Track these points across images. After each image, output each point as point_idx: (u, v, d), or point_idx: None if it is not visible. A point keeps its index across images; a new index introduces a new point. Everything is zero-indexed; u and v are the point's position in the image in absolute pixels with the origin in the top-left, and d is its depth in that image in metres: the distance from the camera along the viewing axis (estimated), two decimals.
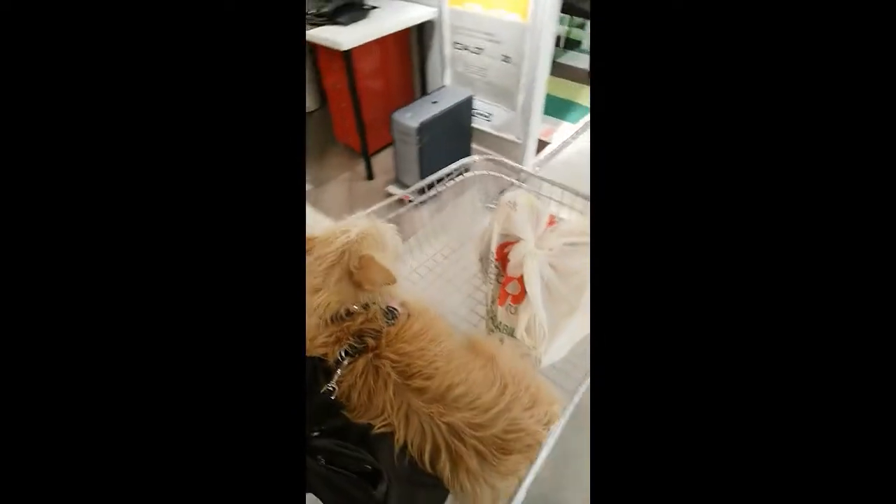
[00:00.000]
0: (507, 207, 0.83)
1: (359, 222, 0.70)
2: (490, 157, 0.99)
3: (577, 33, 3.35)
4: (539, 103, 1.83)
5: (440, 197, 1.05)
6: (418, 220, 1.07)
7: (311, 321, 0.65)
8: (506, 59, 1.77)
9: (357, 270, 0.64)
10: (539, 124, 1.94)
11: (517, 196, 0.85)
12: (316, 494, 0.47)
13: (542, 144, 2.16)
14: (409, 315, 0.68)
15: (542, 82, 1.75)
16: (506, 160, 0.99)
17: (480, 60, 1.86)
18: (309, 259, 0.67)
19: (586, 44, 2.92)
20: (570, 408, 0.65)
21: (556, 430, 0.62)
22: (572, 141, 2.31)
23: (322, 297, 0.63)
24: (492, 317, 0.87)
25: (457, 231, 1.14)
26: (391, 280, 0.64)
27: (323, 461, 0.49)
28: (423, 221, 1.09)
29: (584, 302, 0.79)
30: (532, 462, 0.58)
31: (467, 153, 1.67)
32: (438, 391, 0.59)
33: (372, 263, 0.64)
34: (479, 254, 0.94)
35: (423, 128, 1.65)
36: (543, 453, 0.57)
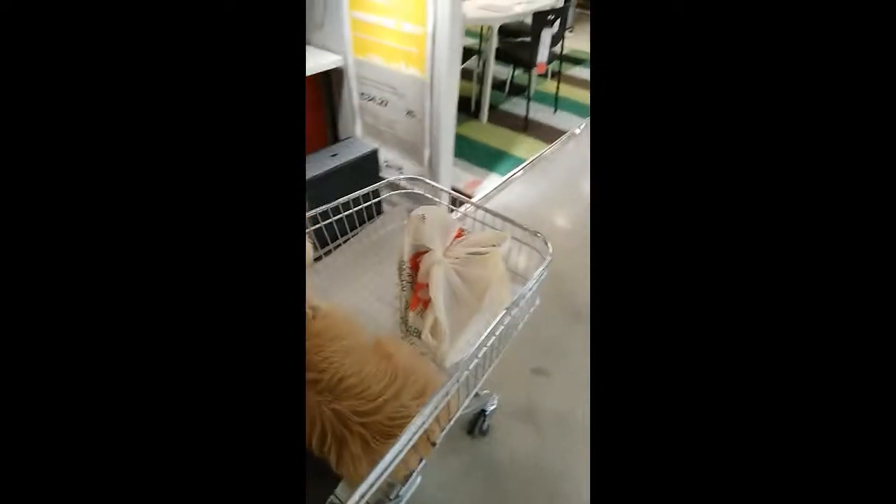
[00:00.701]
0: (417, 220, 0.91)
1: None
2: (410, 176, 1.07)
3: (522, 77, 3.36)
4: (447, 159, 1.79)
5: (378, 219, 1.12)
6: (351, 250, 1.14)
7: None
8: (410, 113, 1.73)
9: None
10: (449, 179, 1.91)
11: (428, 210, 0.94)
12: None
13: (465, 196, 2.20)
14: (314, 316, 0.74)
15: (447, 138, 1.72)
16: (425, 179, 1.08)
17: (387, 113, 1.81)
18: None
19: (532, 89, 3.04)
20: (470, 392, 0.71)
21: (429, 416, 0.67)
22: (496, 195, 2.31)
23: None
24: (404, 321, 0.93)
25: (388, 244, 1.21)
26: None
27: None
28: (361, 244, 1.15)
29: (484, 305, 0.87)
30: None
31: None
32: (330, 383, 0.65)
33: None
34: (397, 263, 1.01)
35: (314, 182, 1.61)
36: (409, 431, 0.61)
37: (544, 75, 3.47)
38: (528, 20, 2.60)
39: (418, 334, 0.89)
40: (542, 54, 2.63)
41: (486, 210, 1.03)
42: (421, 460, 0.70)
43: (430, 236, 0.90)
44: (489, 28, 2.78)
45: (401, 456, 0.58)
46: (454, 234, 0.94)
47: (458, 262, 0.90)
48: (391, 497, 0.68)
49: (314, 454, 0.62)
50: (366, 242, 1.20)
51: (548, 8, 2.60)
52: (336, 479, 0.64)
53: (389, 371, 0.70)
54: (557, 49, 2.94)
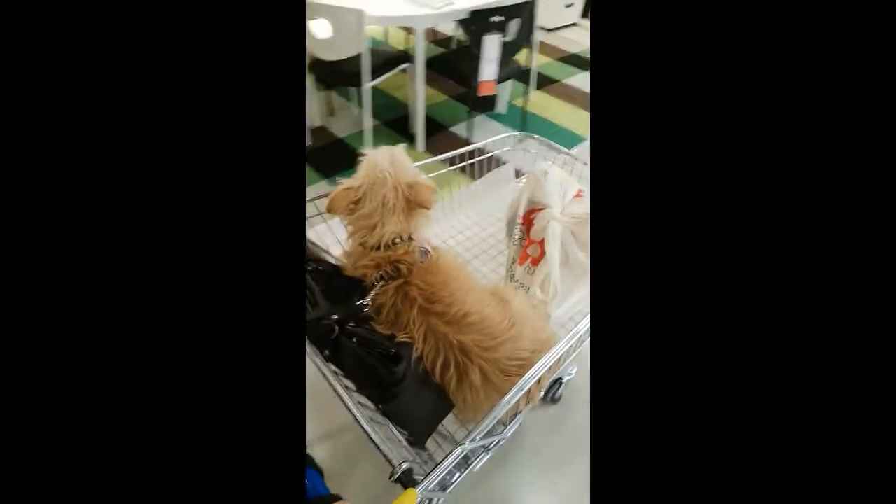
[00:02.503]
0: (539, 175, 0.91)
1: (375, 154, 0.76)
2: (529, 135, 1.06)
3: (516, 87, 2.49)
4: None
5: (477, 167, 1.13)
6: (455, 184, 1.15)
7: (356, 248, 0.75)
8: None
9: (411, 194, 0.73)
10: None
11: (549, 167, 0.92)
12: (346, 368, 0.58)
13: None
14: (438, 257, 0.78)
15: None
16: (544, 140, 1.06)
17: None
18: (361, 205, 0.76)
19: (503, 104, 2.36)
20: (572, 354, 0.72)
21: (549, 362, 0.69)
22: None
23: (378, 230, 0.72)
24: (511, 275, 0.95)
25: (488, 200, 1.22)
26: (435, 194, 0.73)
27: (356, 341, 0.59)
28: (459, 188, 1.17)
29: None
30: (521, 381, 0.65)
31: None
32: (455, 316, 0.68)
33: (420, 184, 0.73)
34: (506, 218, 1.02)
35: None
36: (529, 375, 0.63)
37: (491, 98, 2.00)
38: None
39: (526, 289, 0.90)
40: (488, 70, 1.78)
41: None
42: (528, 403, 0.73)
43: (549, 193, 0.89)
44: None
45: (519, 394, 0.60)
46: (573, 193, 0.92)
47: (574, 221, 0.89)
48: (499, 432, 0.72)
49: (434, 379, 0.67)
50: (467, 195, 1.22)
51: (495, 4, 1.71)
52: (450, 405, 0.69)
53: (508, 315, 0.72)
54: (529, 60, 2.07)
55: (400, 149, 0.80)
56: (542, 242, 0.89)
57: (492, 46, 1.76)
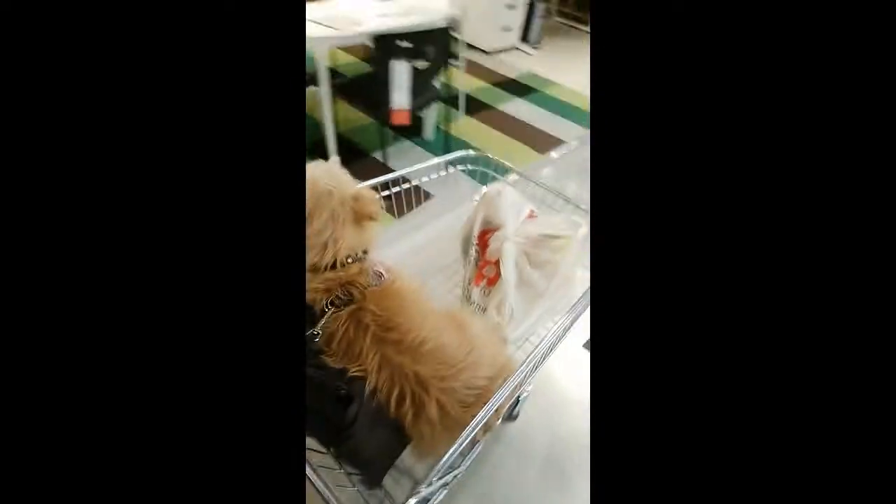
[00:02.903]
0: (493, 195, 0.91)
1: (312, 172, 0.72)
2: (482, 153, 1.06)
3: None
4: None
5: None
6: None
7: (307, 272, 0.70)
8: None
9: (357, 207, 0.70)
10: None
11: (503, 187, 0.93)
12: None
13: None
14: (393, 279, 0.74)
15: None
16: (496, 158, 1.07)
17: None
18: (310, 223, 0.71)
19: (429, 129, 2.28)
20: (531, 376, 0.71)
21: (507, 390, 0.68)
22: None
23: (331, 248, 0.69)
24: (467, 296, 0.93)
25: (446, 219, 1.21)
26: (379, 208, 0.71)
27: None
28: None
29: (550, 289, 0.86)
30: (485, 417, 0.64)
31: None
32: (412, 344, 0.65)
33: (365, 196, 0.70)
34: (461, 238, 1.00)
35: None
36: (489, 404, 0.62)
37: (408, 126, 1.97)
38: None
39: (482, 310, 0.89)
40: (399, 98, 1.68)
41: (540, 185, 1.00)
42: (486, 432, 0.71)
43: (503, 213, 0.90)
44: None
45: (480, 425, 0.58)
46: (526, 214, 0.93)
47: (528, 242, 0.89)
48: (457, 465, 0.69)
49: (388, 412, 0.63)
50: (421, 217, 1.20)
51: (406, 29, 1.62)
52: (406, 440, 0.65)
53: (465, 340, 0.70)
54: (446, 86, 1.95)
55: (335, 162, 0.77)
56: (497, 263, 0.89)
57: (401, 73, 1.62)
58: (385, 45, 1.59)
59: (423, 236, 1.20)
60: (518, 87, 3.13)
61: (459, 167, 1.11)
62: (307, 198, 0.70)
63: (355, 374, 0.63)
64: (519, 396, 1.34)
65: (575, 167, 2.13)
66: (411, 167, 0.94)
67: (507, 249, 0.86)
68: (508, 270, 0.85)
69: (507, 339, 0.86)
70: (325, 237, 0.69)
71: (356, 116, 2.20)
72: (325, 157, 1.92)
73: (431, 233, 1.20)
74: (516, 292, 0.86)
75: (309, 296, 0.69)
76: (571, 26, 4.27)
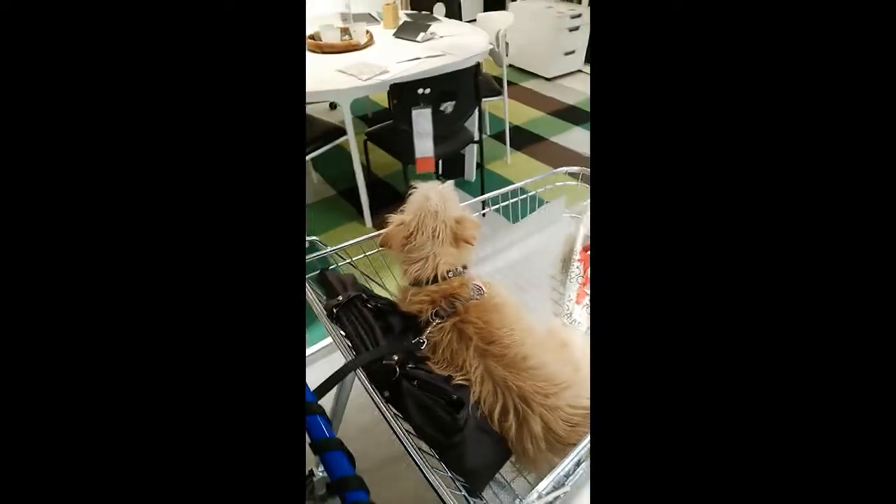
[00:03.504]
0: None
1: (426, 189, 0.78)
2: (581, 170, 1.04)
3: (494, 148, 2.45)
4: None
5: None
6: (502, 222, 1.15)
7: (411, 284, 0.76)
8: None
9: (458, 230, 0.74)
10: None
11: None
12: (406, 412, 0.57)
13: None
14: (493, 294, 0.76)
15: None
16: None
17: None
18: (413, 238, 0.77)
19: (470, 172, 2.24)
20: None
21: None
22: None
23: (431, 262, 0.73)
24: (568, 314, 0.91)
25: (538, 236, 1.20)
26: (477, 233, 0.73)
27: (416, 385, 0.58)
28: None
29: None
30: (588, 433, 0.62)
31: None
32: (514, 359, 0.66)
33: (467, 220, 0.74)
34: (562, 255, 0.99)
35: None
36: None
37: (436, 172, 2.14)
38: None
39: (587, 330, 0.86)
40: (422, 146, 1.63)
41: None
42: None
43: None
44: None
45: (587, 445, 0.57)
46: None
47: None
48: (561, 485, 0.68)
49: (492, 425, 0.64)
50: (515, 234, 1.21)
51: (428, 74, 1.54)
52: (508, 452, 0.66)
53: (569, 359, 0.69)
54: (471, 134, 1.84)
55: (449, 186, 0.81)
56: None
57: (423, 121, 1.55)
58: (403, 94, 1.54)
59: (517, 253, 1.20)
60: (576, 115, 2.89)
61: (559, 184, 1.10)
62: (414, 212, 0.76)
63: (460, 382, 0.66)
64: None
65: None
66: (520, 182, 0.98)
67: None
68: None
69: None
70: (425, 252, 0.74)
71: (392, 161, 2.26)
72: (358, 202, 2.01)
73: (524, 251, 1.20)
74: None
75: (415, 307, 0.74)
76: None
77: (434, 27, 2.01)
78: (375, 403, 0.56)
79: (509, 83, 3.05)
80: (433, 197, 0.77)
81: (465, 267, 0.77)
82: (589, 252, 0.89)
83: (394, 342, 0.68)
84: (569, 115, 2.87)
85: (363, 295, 0.74)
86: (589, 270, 0.88)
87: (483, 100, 2.03)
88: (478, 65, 1.68)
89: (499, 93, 2.23)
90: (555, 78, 3.27)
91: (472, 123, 1.99)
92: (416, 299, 0.74)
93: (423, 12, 2.35)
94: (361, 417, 0.93)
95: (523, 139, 2.61)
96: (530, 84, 3.23)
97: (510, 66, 3.36)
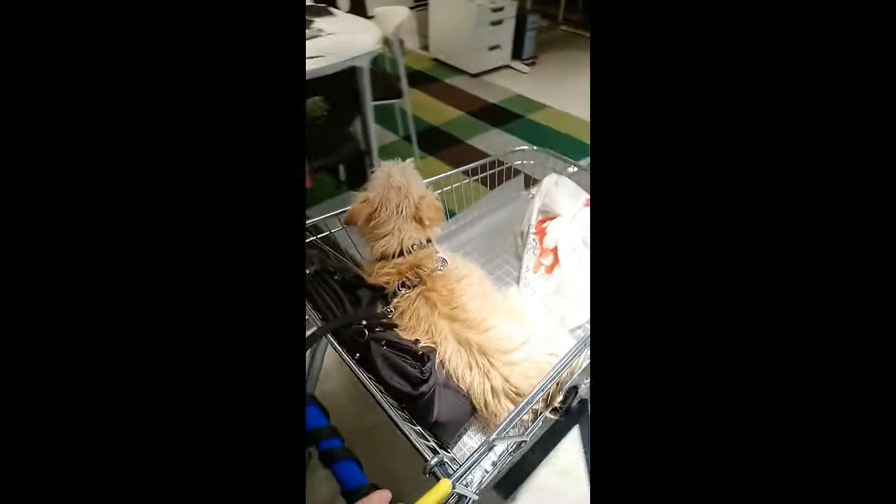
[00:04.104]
0: (550, 185, 0.94)
1: (389, 167, 0.81)
2: (541, 149, 1.10)
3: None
4: None
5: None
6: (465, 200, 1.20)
7: (377, 258, 0.79)
8: None
9: (420, 208, 0.77)
10: None
11: (559, 177, 0.96)
12: (377, 371, 0.61)
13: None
14: (456, 266, 0.81)
15: None
16: (553, 152, 1.10)
17: None
18: (377, 214, 0.80)
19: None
20: (585, 349, 0.74)
21: (569, 362, 0.71)
22: None
23: (396, 236, 0.77)
24: (525, 283, 0.98)
25: (502, 212, 1.26)
26: (441, 217, 0.78)
27: (384, 344, 0.62)
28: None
29: None
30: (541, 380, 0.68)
31: None
32: (475, 321, 0.72)
33: (429, 200, 0.78)
34: (519, 229, 1.05)
35: None
36: (548, 376, 0.66)
37: None
38: None
39: (541, 297, 0.93)
40: None
41: None
42: (548, 407, 0.75)
43: (560, 201, 0.93)
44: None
45: (541, 394, 0.63)
46: (583, 202, 0.96)
47: (586, 228, 0.92)
48: (521, 433, 0.74)
49: (457, 382, 0.69)
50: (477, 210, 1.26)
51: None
52: (472, 407, 0.71)
53: (525, 321, 0.75)
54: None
55: (410, 164, 0.85)
56: (555, 251, 0.93)
57: None
58: None
59: (479, 229, 1.25)
60: (497, 115, 2.63)
61: (517, 163, 1.16)
62: (378, 189, 0.79)
63: (427, 345, 0.70)
64: (577, 387, 1.35)
65: None
66: (480, 160, 1.02)
67: (566, 235, 0.90)
68: (566, 256, 0.89)
69: (567, 323, 0.89)
70: (389, 227, 0.78)
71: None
72: (339, 178, 1.86)
73: (485, 226, 1.25)
74: (574, 277, 0.89)
75: (382, 279, 0.77)
76: (579, 34, 3.67)
77: (322, 23, 1.75)
78: (347, 364, 0.60)
79: (433, 79, 2.96)
80: (396, 174, 0.80)
81: (428, 240, 0.81)
82: (544, 225, 0.96)
83: (363, 311, 0.71)
84: (489, 114, 2.64)
85: (329, 268, 0.77)
86: (544, 241, 0.94)
87: (384, 101, 1.85)
88: (353, 69, 1.56)
89: (399, 95, 1.95)
90: (480, 74, 3.03)
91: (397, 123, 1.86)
92: (382, 272, 0.77)
93: (319, 5, 2.04)
94: (328, 384, 0.95)
95: (438, 141, 2.35)
96: (455, 80, 2.99)
97: (435, 60, 3.18)
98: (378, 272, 0.78)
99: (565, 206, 0.92)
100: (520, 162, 1.16)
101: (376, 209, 0.77)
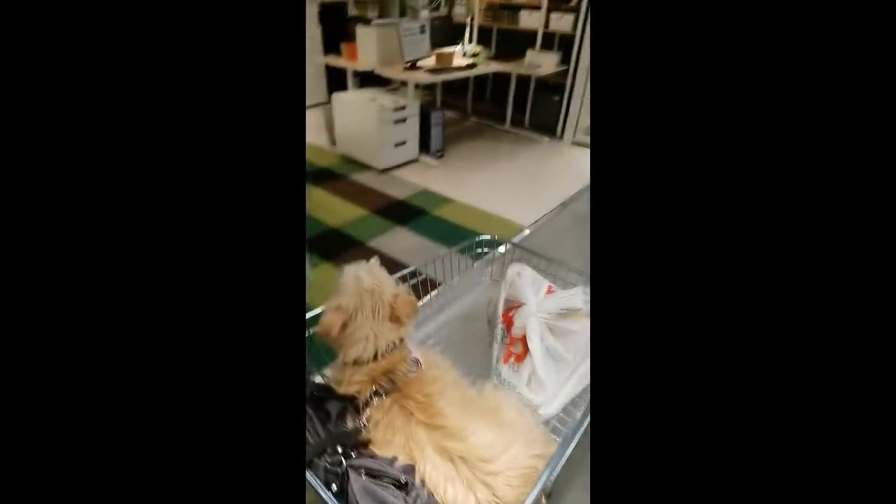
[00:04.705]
0: (514, 276, 0.98)
1: (357, 271, 0.81)
2: (503, 239, 1.16)
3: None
4: None
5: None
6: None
7: (349, 365, 0.76)
8: None
9: (395, 307, 0.77)
10: None
11: (522, 267, 1.01)
12: (358, 502, 0.56)
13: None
14: (429, 365, 0.80)
15: None
16: (514, 241, 1.16)
17: None
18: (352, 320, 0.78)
19: None
20: (569, 448, 0.73)
21: (557, 466, 0.70)
22: None
23: (371, 341, 0.75)
24: (497, 374, 0.97)
25: (467, 300, 1.28)
26: (416, 311, 0.77)
27: (363, 473, 0.58)
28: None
29: (578, 360, 0.90)
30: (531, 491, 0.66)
31: None
32: (454, 429, 0.69)
33: (403, 298, 0.77)
34: (487, 318, 1.07)
35: None
36: (539, 485, 0.65)
37: None
38: None
39: (513, 388, 0.92)
40: None
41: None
42: None
43: (524, 291, 0.97)
44: None
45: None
46: (545, 290, 1.00)
47: (550, 317, 0.95)
48: None
49: (440, 498, 0.65)
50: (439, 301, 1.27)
51: None
52: None
53: (503, 423, 0.74)
54: None
55: (375, 262, 0.85)
56: (523, 339, 0.94)
57: None
58: None
59: (444, 317, 1.26)
60: (403, 212, 2.54)
61: (471, 252, 1.21)
62: (350, 294, 0.78)
63: (406, 463, 0.66)
64: None
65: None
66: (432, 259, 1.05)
67: (532, 324, 0.92)
68: (535, 344, 0.90)
69: (541, 413, 0.89)
70: (366, 332, 0.76)
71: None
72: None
73: (452, 313, 1.26)
74: (544, 365, 0.90)
75: (353, 388, 0.74)
76: (487, 124, 3.80)
77: None
78: (322, 499, 0.55)
79: (339, 176, 2.96)
80: (364, 276, 0.80)
81: (402, 340, 0.79)
82: (511, 314, 0.98)
83: (335, 430, 0.67)
84: (395, 212, 2.53)
85: None
86: (512, 330, 0.96)
87: None
88: None
89: None
90: (388, 169, 3.02)
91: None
92: (355, 379, 0.74)
93: None
94: None
95: (336, 245, 2.25)
96: (362, 177, 2.97)
97: (343, 156, 3.20)
98: (349, 380, 0.75)
99: (529, 295, 0.96)
100: (482, 250, 1.21)
101: (350, 315, 0.76)
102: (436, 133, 3.16)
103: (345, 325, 0.76)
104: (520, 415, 0.79)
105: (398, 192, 2.76)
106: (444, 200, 2.70)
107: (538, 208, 2.52)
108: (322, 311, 0.81)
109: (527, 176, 3.06)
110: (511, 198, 2.76)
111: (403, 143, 3.04)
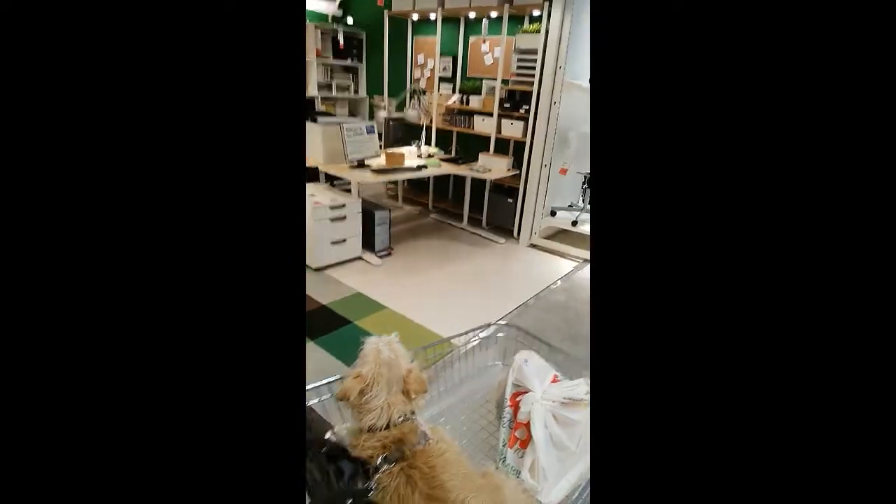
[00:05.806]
0: (521, 362, 1.06)
1: (377, 342, 0.90)
2: (511, 324, 1.26)
3: None
4: None
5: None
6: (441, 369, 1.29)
7: (364, 430, 0.84)
8: None
9: (408, 382, 0.85)
10: None
11: (530, 354, 1.09)
12: None
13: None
14: (437, 440, 0.86)
15: None
16: (525, 329, 1.26)
17: None
18: (369, 389, 0.87)
19: None
20: None
21: None
22: None
23: (386, 410, 0.83)
24: (502, 458, 1.01)
25: (477, 382, 1.34)
26: (426, 388, 0.85)
27: None
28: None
29: (581, 448, 0.94)
30: None
31: None
32: (455, 502, 0.74)
33: (416, 374, 0.86)
34: (496, 401, 1.12)
35: None
36: None
37: None
38: None
39: (516, 472, 0.96)
40: None
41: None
42: None
43: (530, 378, 1.04)
44: None
45: None
46: (550, 378, 1.07)
47: (555, 405, 1.01)
48: None
49: None
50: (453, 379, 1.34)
51: None
52: None
53: (501, 500, 0.77)
54: None
55: (395, 337, 0.96)
56: (528, 425, 0.99)
57: None
58: None
59: (454, 398, 1.31)
60: (323, 321, 2.19)
61: (484, 334, 1.30)
62: (370, 364, 0.88)
63: None
64: None
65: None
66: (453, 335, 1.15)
67: (537, 410, 0.98)
68: (538, 432, 0.95)
69: (541, 501, 0.90)
70: (380, 401, 0.85)
71: None
72: None
73: (462, 394, 1.32)
74: (546, 453, 0.94)
75: (367, 452, 0.81)
76: (446, 223, 3.66)
77: None
78: None
79: None
80: (384, 349, 0.90)
81: (413, 413, 0.87)
82: (518, 399, 1.04)
83: (346, 487, 0.73)
84: (314, 320, 2.21)
85: (319, 439, 0.81)
86: (518, 415, 1.01)
87: None
88: None
89: None
90: (323, 268, 2.74)
91: None
92: (367, 444, 0.81)
93: None
94: None
95: None
96: None
97: None
98: (363, 444, 0.82)
99: (535, 383, 1.03)
100: (502, 335, 1.31)
101: (368, 384, 0.85)
102: (380, 231, 2.96)
103: (362, 392, 0.85)
104: (520, 495, 0.83)
105: (326, 295, 2.41)
106: (375, 307, 2.33)
107: (479, 317, 1.79)
108: (342, 377, 0.91)
109: (475, 278, 2.76)
110: (454, 304, 2.43)
111: (343, 241, 2.80)
